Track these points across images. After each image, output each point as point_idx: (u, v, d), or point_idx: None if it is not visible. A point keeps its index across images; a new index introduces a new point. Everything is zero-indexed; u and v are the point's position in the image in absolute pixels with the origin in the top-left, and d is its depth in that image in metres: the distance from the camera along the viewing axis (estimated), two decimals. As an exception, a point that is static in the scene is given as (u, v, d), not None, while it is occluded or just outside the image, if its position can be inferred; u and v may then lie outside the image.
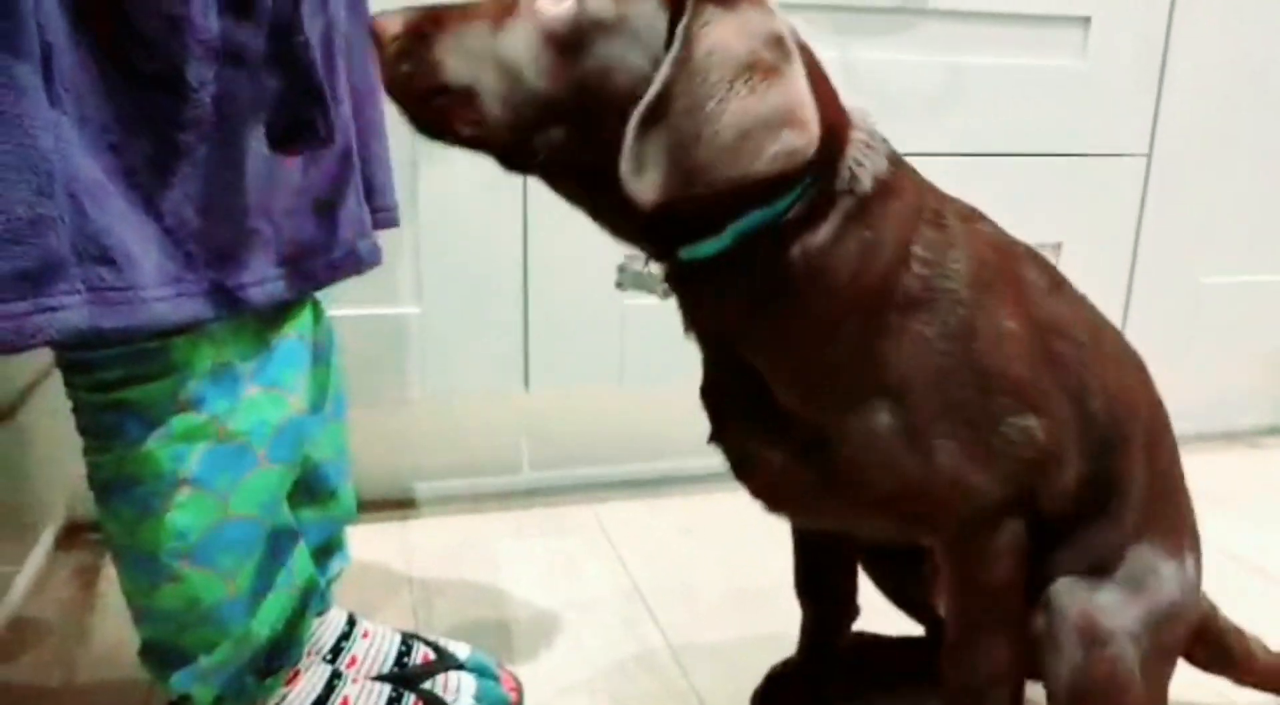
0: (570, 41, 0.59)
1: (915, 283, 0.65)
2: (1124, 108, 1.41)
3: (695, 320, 0.70)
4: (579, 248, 1.24)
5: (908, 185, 0.68)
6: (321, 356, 0.80)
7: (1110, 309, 1.45)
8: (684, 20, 0.57)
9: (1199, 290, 1.52)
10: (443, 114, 0.61)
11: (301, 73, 0.64)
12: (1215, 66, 1.43)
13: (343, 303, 1.16)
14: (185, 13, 0.59)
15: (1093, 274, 1.45)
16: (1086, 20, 1.36)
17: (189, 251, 0.62)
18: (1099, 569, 0.74)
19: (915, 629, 0.97)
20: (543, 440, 1.39)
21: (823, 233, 0.63)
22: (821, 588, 0.91)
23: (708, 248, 0.64)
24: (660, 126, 0.56)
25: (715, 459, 1.47)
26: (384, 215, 0.87)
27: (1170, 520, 0.78)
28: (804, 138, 0.58)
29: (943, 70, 1.31)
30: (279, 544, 0.72)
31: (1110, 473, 0.74)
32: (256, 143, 0.64)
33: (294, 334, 0.72)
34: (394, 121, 1.10)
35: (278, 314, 0.71)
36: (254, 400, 0.68)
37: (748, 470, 0.75)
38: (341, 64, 0.73)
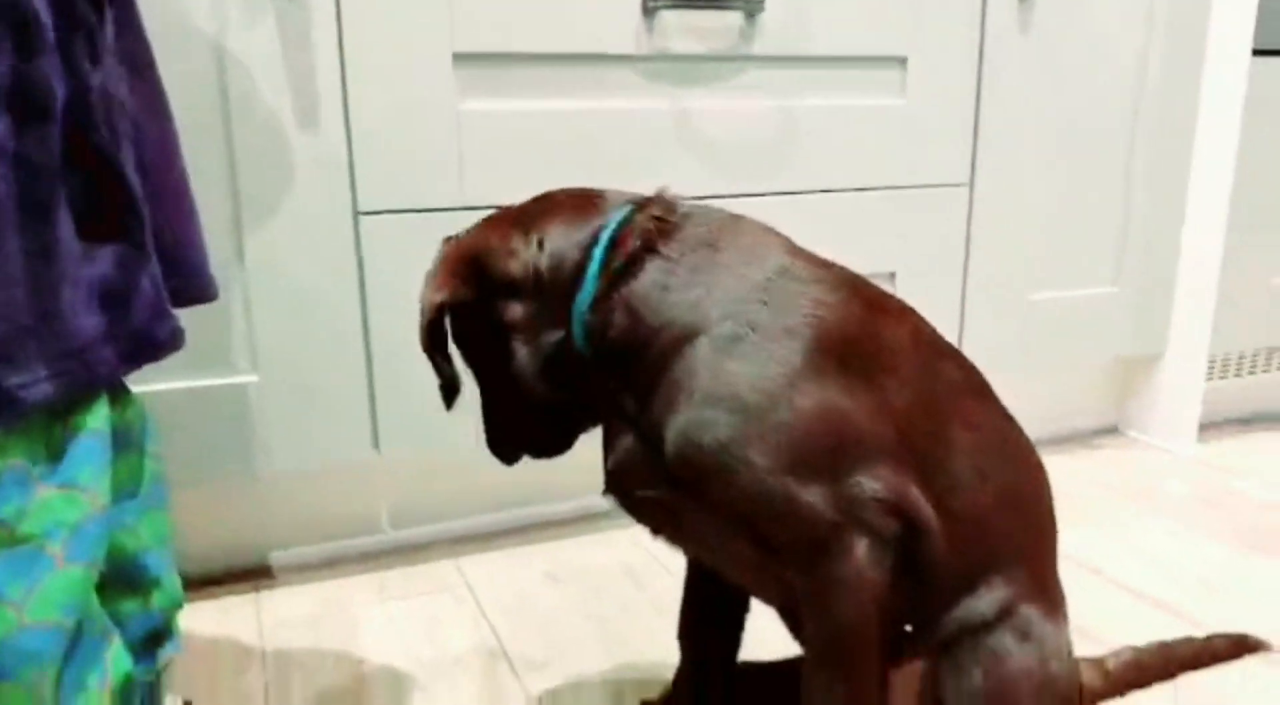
0: None
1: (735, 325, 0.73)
2: (944, 140, 1.48)
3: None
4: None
5: (725, 240, 0.78)
6: (131, 443, 0.78)
7: (946, 329, 1.53)
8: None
9: (1027, 307, 1.60)
10: None
11: (106, 169, 0.66)
12: (1027, 98, 1.52)
13: (175, 376, 1.13)
14: None
15: (928, 298, 1.52)
16: (904, 60, 1.42)
17: None
18: (989, 624, 0.77)
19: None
20: (400, 497, 1.38)
21: (638, 298, 0.76)
22: (704, 635, 0.92)
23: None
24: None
25: (578, 503, 1.49)
26: (198, 290, 0.85)
27: (1049, 589, 0.81)
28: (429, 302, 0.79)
29: (773, 114, 1.36)
30: (89, 644, 0.69)
31: (991, 539, 0.77)
32: (24, 238, 0.62)
33: (90, 427, 0.69)
34: (209, 185, 1.09)
35: (69, 408, 0.68)
36: (47, 501, 0.66)
37: (635, 511, 0.82)
38: (127, 145, 0.72)
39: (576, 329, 0.78)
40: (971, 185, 1.51)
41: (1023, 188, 1.55)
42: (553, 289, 0.78)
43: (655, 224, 0.77)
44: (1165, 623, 1.16)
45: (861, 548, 0.71)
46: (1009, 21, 1.47)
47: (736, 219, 0.80)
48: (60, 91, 0.65)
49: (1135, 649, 1.02)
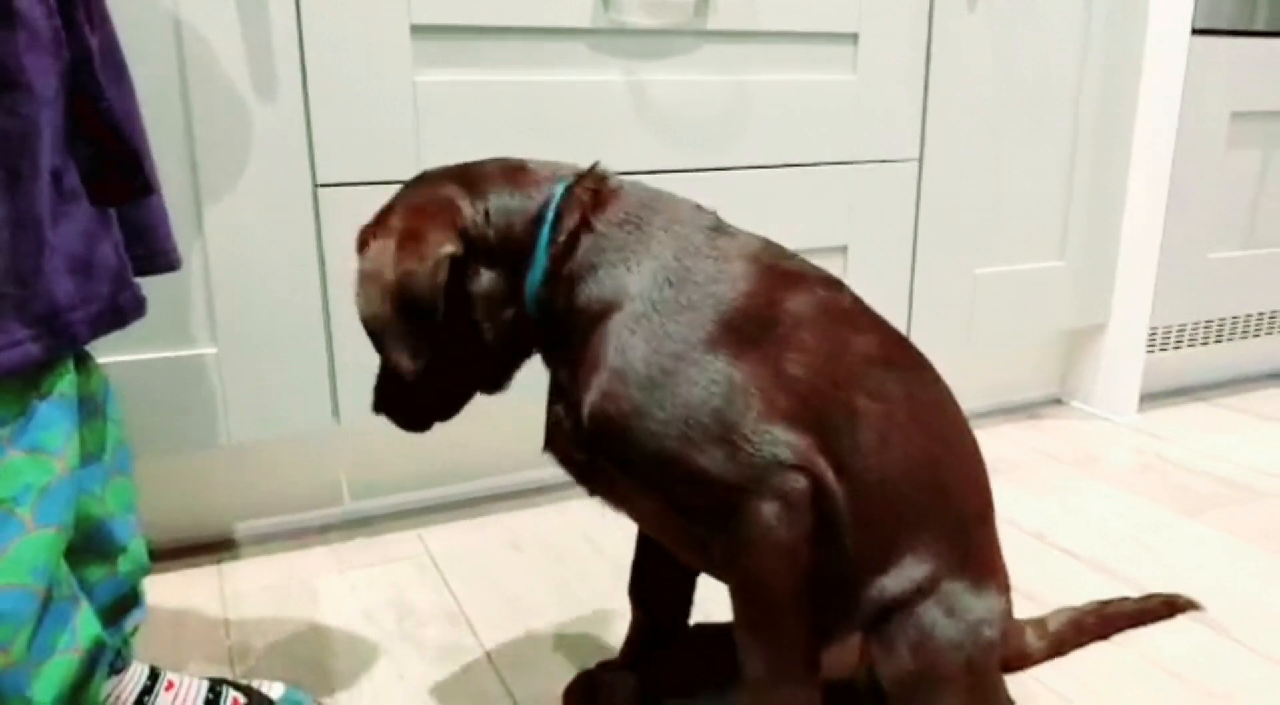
0: None
1: (648, 304, 0.77)
2: (895, 116, 1.51)
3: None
4: (379, 277, 1.24)
5: (646, 218, 0.81)
6: (95, 410, 0.79)
7: (896, 302, 1.57)
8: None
9: (974, 281, 1.64)
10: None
11: (113, 136, 0.68)
12: (975, 76, 1.55)
13: (135, 347, 1.14)
14: None
15: (878, 272, 1.55)
16: (855, 37, 1.45)
17: None
18: (916, 596, 0.79)
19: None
20: (362, 469, 1.39)
21: (573, 275, 0.79)
22: (653, 595, 0.95)
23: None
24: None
25: (537, 473, 1.51)
26: (161, 259, 0.86)
27: (976, 560, 0.83)
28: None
29: (726, 88, 1.38)
30: (57, 608, 0.70)
31: (914, 512, 0.79)
32: (4, 206, 0.63)
33: (56, 393, 0.70)
34: (167, 156, 1.09)
35: (36, 374, 0.69)
36: (15, 464, 0.66)
37: (570, 472, 0.85)
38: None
39: (530, 303, 0.80)
40: (921, 161, 1.54)
41: (970, 163, 1.59)
42: (504, 259, 0.80)
43: (591, 198, 0.80)
44: (1102, 583, 1.21)
45: (768, 508, 0.73)
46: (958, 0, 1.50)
47: (662, 196, 0.83)
48: (62, 59, 0.66)
49: (1074, 609, 1.06)
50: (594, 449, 0.78)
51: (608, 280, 0.77)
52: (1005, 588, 0.86)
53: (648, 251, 0.78)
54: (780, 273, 0.79)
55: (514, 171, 0.82)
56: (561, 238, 0.79)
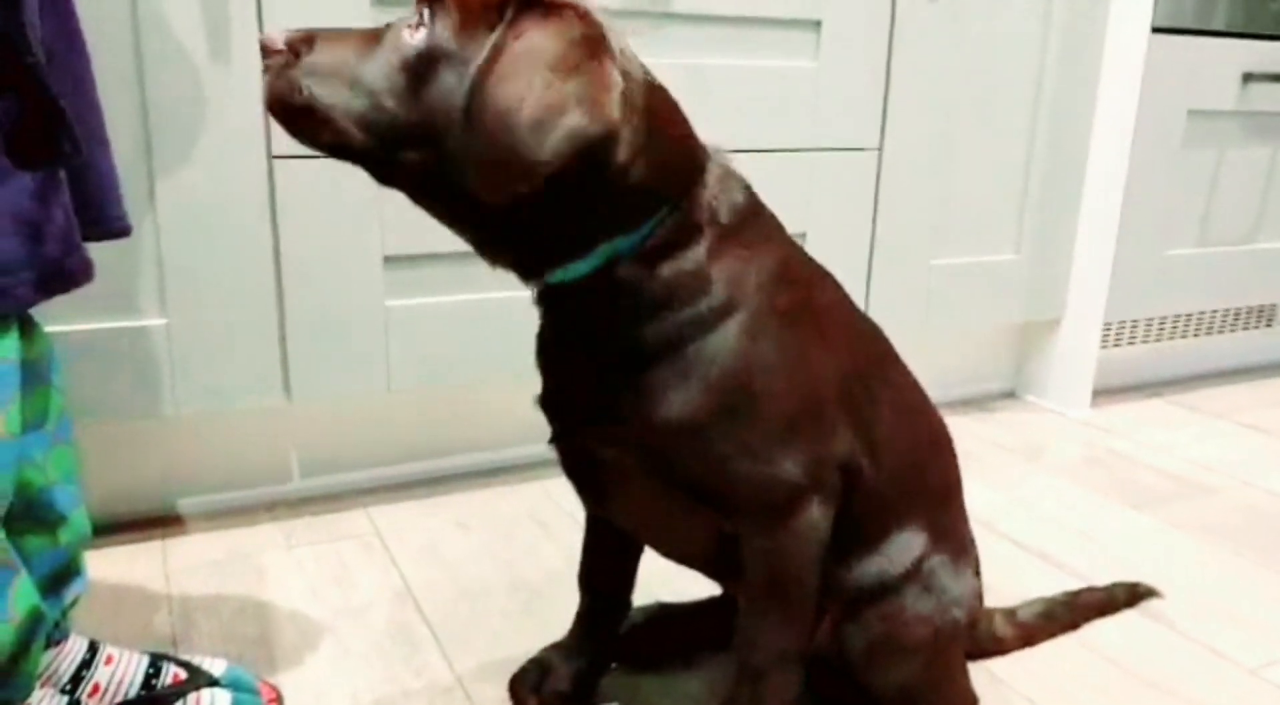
0: (420, 70, 0.65)
1: (761, 305, 0.72)
2: (856, 105, 1.51)
3: (561, 336, 0.76)
4: (336, 249, 1.23)
5: (767, 220, 0.77)
6: (39, 376, 0.77)
7: (853, 291, 1.57)
8: (498, 31, 0.63)
9: (930, 272, 1.65)
10: (309, 127, 0.67)
11: (37, 92, 0.66)
12: (936, 67, 1.56)
13: (83, 316, 1.11)
14: None
15: (836, 260, 1.55)
16: (818, 24, 1.45)
17: None
18: (896, 583, 0.81)
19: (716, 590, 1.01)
20: (312, 446, 1.38)
21: (697, 252, 0.71)
22: (603, 579, 0.95)
23: (574, 271, 0.71)
24: (478, 130, 0.62)
25: (487, 455, 1.50)
26: (112, 225, 0.84)
27: (956, 535, 0.87)
28: (591, 120, 0.62)
29: (687, 72, 1.37)
30: (-7, 576, 0.69)
31: (904, 491, 0.82)
32: None
33: (0, 356, 0.69)
34: (120, 123, 1.07)
35: (-24, 337, 0.68)
36: (-49, 430, 0.65)
37: (583, 469, 0.81)
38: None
39: (614, 248, 0.70)
40: (881, 150, 1.55)
41: (929, 155, 1.60)
42: (630, 198, 0.69)
43: (716, 200, 0.73)
44: (1047, 573, 1.23)
45: (818, 507, 0.75)
46: (922, -9, 1.51)
47: (759, 209, 0.78)
48: None
49: (1044, 600, 1.08)
50: (640, 444, 0.73)
51: (707, 285, 0.71)
52: (977, 569, 0.89)
53: (742, 263, 0.73)
54: (810, 272, 0.80)
55: (684, 119, 0.74)
56: (680, 221, 0.71)
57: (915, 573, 0.81)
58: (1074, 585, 1.13)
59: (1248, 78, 1.79)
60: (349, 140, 0.67)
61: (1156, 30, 1.66)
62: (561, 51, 0.62)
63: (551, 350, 0.79)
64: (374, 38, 0.67)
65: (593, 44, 0.64)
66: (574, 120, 0.62)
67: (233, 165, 1.16)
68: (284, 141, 1.17)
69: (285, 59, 0.66)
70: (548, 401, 0.80)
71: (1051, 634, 1.07)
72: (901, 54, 1.52)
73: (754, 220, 0.75)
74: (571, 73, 0.62)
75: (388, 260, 1.26)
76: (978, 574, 0.88)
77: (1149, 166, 1.75)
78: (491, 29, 0.63)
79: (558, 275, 0.71)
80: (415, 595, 1.13)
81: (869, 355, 0.82)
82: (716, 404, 0.71)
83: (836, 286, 0.82)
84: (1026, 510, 1.41)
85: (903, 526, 0.82)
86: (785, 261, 0.75)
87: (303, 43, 0.67)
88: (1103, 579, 1.16)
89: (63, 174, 0.73)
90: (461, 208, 0.68)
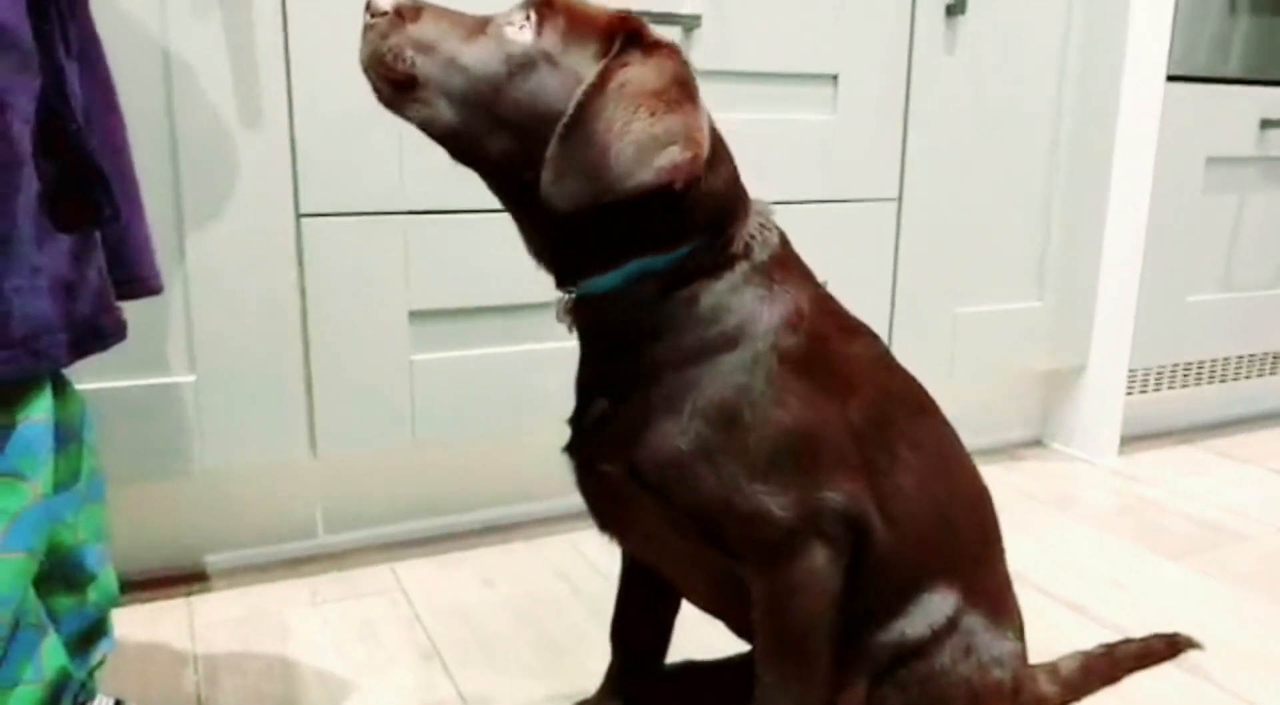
0: (522, 65, 0.69)
1: (766, 346, 0.73)
2: (874, 157, 1.52)
3: (586, 349, 0.79)
4: (362, 305, 1.24)
5: (796, 267, 0.78)
6: (71, 435, 0.78)
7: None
8: (607, 59, 0.68)
9: (954, 320, 1.65)
10: (403, 96, 0.70)
11: (79, 157, 0.68)
12: (953, 118, 1.57)
13: (112, 374, 1.12)
14: None
15: (857, 310, 1.55)
16: (835, 78, 1.47)
17: None
18: (933, 641, 0.79)
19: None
20: (337, 502, 1.38)
21: (721, 284, 0.73)
22: (635, 636, 0.94)
23: (604, 282, 0.73)
24: (575, 142, 0.66)
25: (511, 509, 1.49)
26: (144, 284, 0.85)
27: (993, 596, 0.85)
28: (690, 156, 0.68)
29: (708, 125, 1.38)
30: (24, 637, 0.69)
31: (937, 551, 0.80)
32: None
33: (33, 416, 0.70)
34: (152, 181, 1.09)
35: (13, 396, 0.68)
36: (-14, 489, 0.66)
37: (590, 483, 0.81)
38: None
39: (645, 265, 0.73)
40: (900, 200, 1.56)
41: (949, 204, 1.60)
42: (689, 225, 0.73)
43: (751, 240, 0.76)
44: (1079, 624, 1.21)
45: (819, 553, 0.74)
46: (936, 42, 1.52)
47: (790, 257, 0.80)
48: (37, 83, 0.66)
49: (1082, 653, 1.06)
50: (641, 473, 0.74)
51: (723, 321, 0.73)
52: (1020, 631, 0.87)
53: (762, 304, 0.74)
54: (838, 320, 0.80)
55: (736, 172, 0.78)
56: (714, 252, 0.74)
57: (949, 633, 0.80)
58: (1109, 637, 1.11)
59: (1265, 124, 1.79)
60: (439, 115, 0.70)
61: (1172, 78, 1.67)
62: (664, 87, 0.68)
63: (580, 366, 0.81)
64: (478, 25, 0.71)
65: (688, 83, 0.70)
66: (675, 152, 0.67)
67: (261, 224, 1.18)
68: (312, 200, 1.19)
69: (391, 21, 0.69)
70: (573, 416, 0.81)
71: (1093, 689, 1.05)
72: (919, 105, 1.53)
73: (782, 266, 0.77)
74: (673, 107, 0.68)
75: (413, 315, 1.27)
76: (1022, 639, 0.86)
77: (1169, 213, 1.75)
78: (598, 50, 0.69)
79: (588, 285, 0.74)
80: (441, 653, 1.12)
81: (893, 411, 0.80)
82: (697, 429, 0.72)
83: (870, 342, 0.82)
84: (1056, 560, 1.39)
85: (933, 586, 0.80)
86: (803, 309, 0.76)
87: (411, 12, 0.70)
88: (1138, 630, 1.14)
89: (98, 234, 0.75)
90: (525, 198, 0.71)
